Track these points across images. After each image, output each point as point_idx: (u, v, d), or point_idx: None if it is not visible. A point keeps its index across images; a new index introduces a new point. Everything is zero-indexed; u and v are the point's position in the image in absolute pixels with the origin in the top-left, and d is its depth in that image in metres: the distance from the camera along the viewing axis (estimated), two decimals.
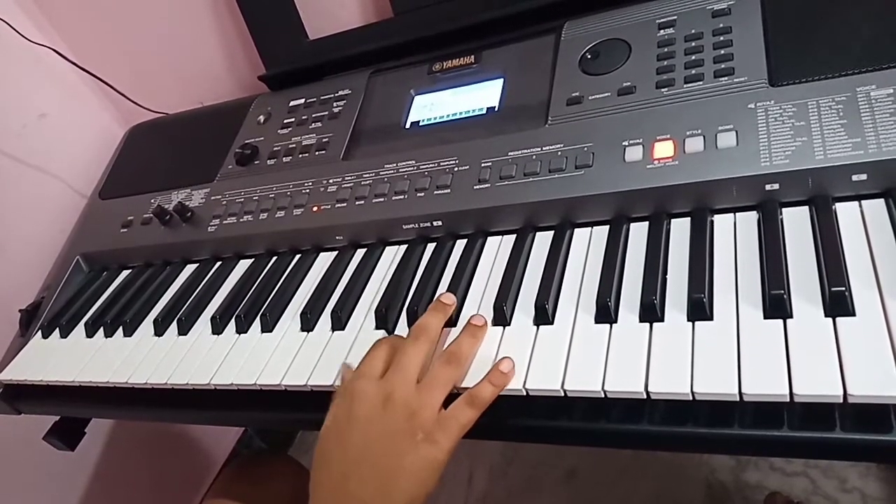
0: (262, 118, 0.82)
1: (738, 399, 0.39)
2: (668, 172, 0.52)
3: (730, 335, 0.42)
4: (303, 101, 0.80)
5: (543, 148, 0.59)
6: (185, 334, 0.65)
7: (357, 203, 0.66)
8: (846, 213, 0.46)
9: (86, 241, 0.85)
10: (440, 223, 0.61)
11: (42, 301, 0.80)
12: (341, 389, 0.48)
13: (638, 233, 0.53)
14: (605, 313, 0.47)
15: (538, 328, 0.49)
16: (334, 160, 0.71)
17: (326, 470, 0.46)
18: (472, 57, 0.72)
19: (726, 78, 0.54)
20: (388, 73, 0.77)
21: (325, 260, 0.67)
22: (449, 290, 0.55)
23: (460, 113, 0.68)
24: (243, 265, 0.72)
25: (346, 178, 0.68)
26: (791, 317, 0.41)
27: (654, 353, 0.43)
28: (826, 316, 0.40)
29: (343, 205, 0.66)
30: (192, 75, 1.01)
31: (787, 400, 0.37)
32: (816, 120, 0.48)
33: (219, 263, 0.73)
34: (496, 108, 0.66)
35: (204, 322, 0.65)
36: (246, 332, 0.62)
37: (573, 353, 0.46)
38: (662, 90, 0.57)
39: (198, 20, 0.94)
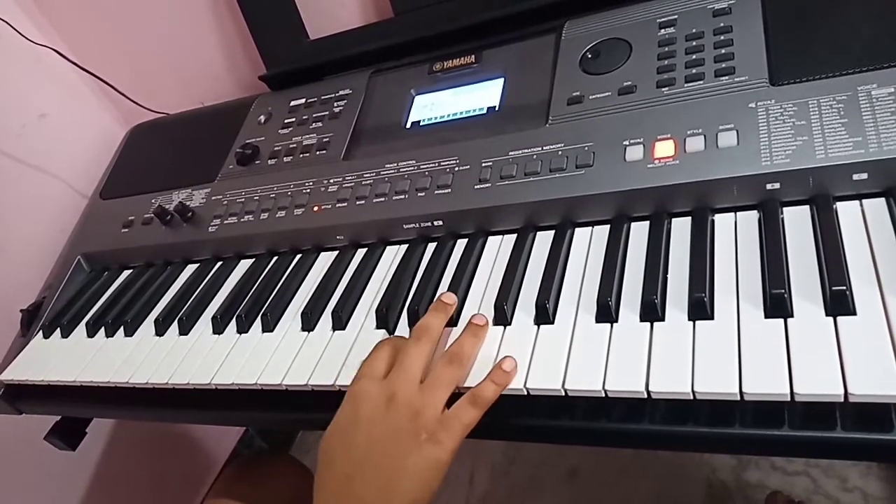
0: (262, 118, 0.82)
1: (738, 398, 0.39)
2: (669, 172, 0.51)
3: (730, 334, 0.42)
4: (303, 100, 0.80)
5: (544, 147, 0.59)
6: (186, 334, 0.65)
7: (358, 203, 0.66)
8: (847, 212, 0.46)
9: (87, 241, 0.85)
10: (441, 223, 0.61)
11: (43, 301, 0.80)
12: (348, 390, 0.48)
13: (639, 232, 0.53)
14: (606, 313, 0.47)
15: (539, 328, 0.49)
16: (335, 160, 0.71)
17: (330, 471, 0.46)
18: (473, 57, 0.72)
19: (727, 77, 0.54)
20: (389, 73, 0.77)
21: (325, 260, 0.67)
22: (450, 289, 0.55)
23: (461, 113, 0.68)
24: (244, 265, 0.72)
25: (347, 178, 0.68)
26: (792, 316, 0.41)
27: (654, 353, 0.43)
28: (827, 315, 0.40)
29: (344, 204, 0.66)
30: (192, 75, 1.01)
31: (788, 399, 0.37)
32: (817, 119, 0.48)
33: (220, 263, 0.73)
34: (497, 108, 0.66)
35: (205, 322, 0.65)
36: (247, 331, 0.62)
37: (574, 353, 0.46)
38: (663, 89, 0.57)
39: (198, 20, 0.94)
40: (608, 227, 0.54)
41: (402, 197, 0.63)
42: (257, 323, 0.62)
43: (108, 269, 0.82)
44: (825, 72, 0.50)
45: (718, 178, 0.50)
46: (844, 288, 0.40)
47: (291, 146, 0.76)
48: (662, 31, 0.61)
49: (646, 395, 0.41)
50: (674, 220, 0.52)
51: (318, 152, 0.73)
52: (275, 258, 0.70)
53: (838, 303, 0.40)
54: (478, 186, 0.60)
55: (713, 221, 0.50)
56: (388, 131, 0.72)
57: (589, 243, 0.54)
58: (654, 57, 0.59)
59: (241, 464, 0.83)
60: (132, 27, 0.99)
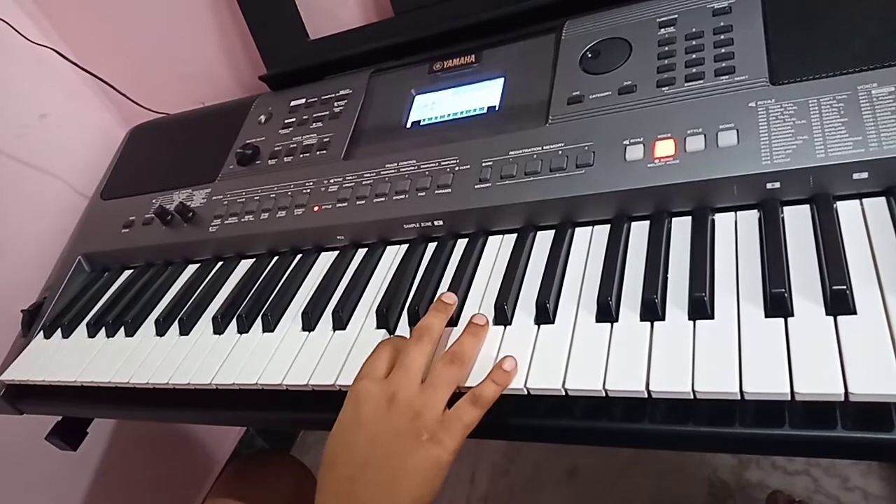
0: (263, 118, 0.82)
1: (739, 398, 0.39)
2: (669, 171, 0.51)
3: (731, 334, 0.42)
4: (304, 100, 0.80)
5: (544, 147, 0.59)
6: (187, 334, 0.65)
7: (358, 203, 0.66)
8: (847, 211, 0.46)
9: (87, 242, 0.85)
10: (441, 223, 0.61)
11: (44, 301, 0.80)
12: (349, 391, 0.48)
13: (639, 232, 0.53)
14: (607, 312, 0.47)
15: (539, 327, 0.49)
16: (335, 160, 0.71)
17: (332, 471, 0.46)
18: (473, 56, 0.72)
19: (727, 76, 0.54)
20: (389, 73, 0.77)
21: (326, 260, 0.67)
22: (450, 289, 0.55)
23: (461, 112, 0.68)
24: (244, 265, 0.72)
25: (347, 178, 0.68)
26: (792, 315, 0.41)
27: (655, 352, 0.43)
28: (827, 314, 0.40)
29: (344, 204, 0.66)
30: (192, 75, 1.01)
31: (789, 398, 0.37)
32: (817, 118, 0.48)
33: (220, 263, 0.74)
34: (497, 108, 0.66)
35: (205, 322, 0.66)
36: (247, 331, 0.62)
37: (574, 352, 0.46)
38: (663, 89, 0.57)
39: (198, 20, 0.94)
40: (608, 226, 0.54)
41: (403, 197, 0.63)
42: (258, 323, 0.62)
43: (109, 270, 0.82)
44: (825, 71, 0.50)
45: (718, 177, 0.50)
46: (845, 287, 0.40)
47: (292, 146, 0.76)
48: (662, 30, 0.61)
49: (646, 395, 0.41)
50: (674, 219, 0.52)
51: (318, 152, 0.73)
52: (275, 258, 0.70)
53: (839, 302, 0.40)
54: (478, 186, 0.60)
55: (713, 221, 0.50)
56: (389, 131, 0.72)
57: (589, 243, 0.54)
58: (654, 56, 0.59)
59: (241, 464, 0.83)
60: (132, 27, 0.99)
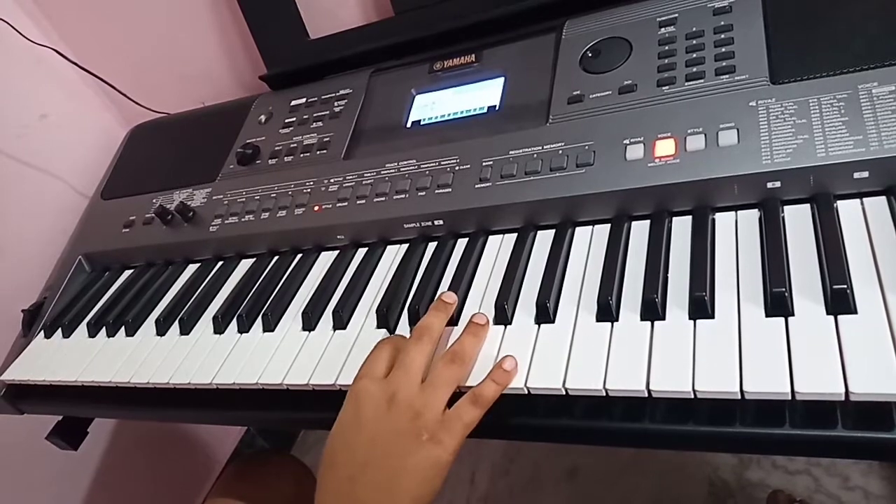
0: (263, 118, 0.82)
1: (739, 397, 0.39)
2: (670, 171, 0.51)
3: (731, 333, 0.42)
4: (304, 100, 0.80)
5: (544, 147, 0.59)
6: (187, 334, 0.65)
7: (358, 202, 0.66)
8: (848, 210, 0.46)
9: (88, 242, 0.85)
10: (441, 222, 0.61)
11: (44, 301, 0.80)
12: (349, 390, 0.48)
13: (639, 231, 0.53)
14: (607, 312, 0.47)
15: (539, 327, 0.49)
16: (335, 159, 0.71)
17: (332, 471, 0.46)
18: (473, 56, 0.71)
19: (727, 76, 0.54)
20: (389, 73, 0.77)
21: (326, 259, 0.67)
22: (450, 289, 0.55)
23: (461, 112, 0.68)
24: (245, 265, 0.72)
25: (348, 178, 0.68)
26: (792, 315, 0.41)
27: (655, 352, 0.43)
28: (828, 314, 0.40)
29: (344, 204, 0.66)
30: (193, 75, 1.01)
31: (789, 398, 0.37)
32: (818, 117, 0.48)
33: (220, 263, 0.74)
34: (497, 107, 0.66)
35: (206, 322, 0.66)
36: (248, 331, 0.62)
37: (574, 352, 0.46)
38: (663, 88, 0.57)
39: (199, 20, 0.94)
40: (609, 226, 0.54)
41: (403, 196, 0.63)
42: (258, 323, 0.62)
43: (110, 269, 0.82)
44: (826, 70, 0.50)
45: (719, 176, 0.50)
46: (845, 286, 0.40)
47: (292, 146, 0.76)
48: (663, 29, 0.61)
49: (646, 395, 0.41)
50: (674, 218, 0.52)
51: (318, 152, 0.73)
52: (275, 258, 0.70)
53: (839, 301, 0.40)
54: (478, 186, 0.60)
55: (714, 220, 0.50)
56: (389, 131, 0.72)
57: (589, 242, 0.54)
58: (655, 56, 0.59)
59: (242, 463, 0.83)
60: (133, 27, 0.99)
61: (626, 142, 0.55)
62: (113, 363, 0.65)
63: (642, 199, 0.53)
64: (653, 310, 0.45)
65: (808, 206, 0.48)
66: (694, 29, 0.59)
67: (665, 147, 0.53)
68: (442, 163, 0.63)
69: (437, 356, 0.48)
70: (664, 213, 0.52)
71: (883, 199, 0.46)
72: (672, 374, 0.41)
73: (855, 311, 0.40)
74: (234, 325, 0.63)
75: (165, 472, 1.23)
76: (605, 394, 0.43)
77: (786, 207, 0.48)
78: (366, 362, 0.49)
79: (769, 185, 0.48)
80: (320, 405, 0.55)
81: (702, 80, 0.55)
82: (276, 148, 0.77)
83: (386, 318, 0.56)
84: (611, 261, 0.50)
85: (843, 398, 0.36)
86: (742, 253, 0.47)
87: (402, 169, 0.65)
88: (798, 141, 0.48)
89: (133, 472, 1.16)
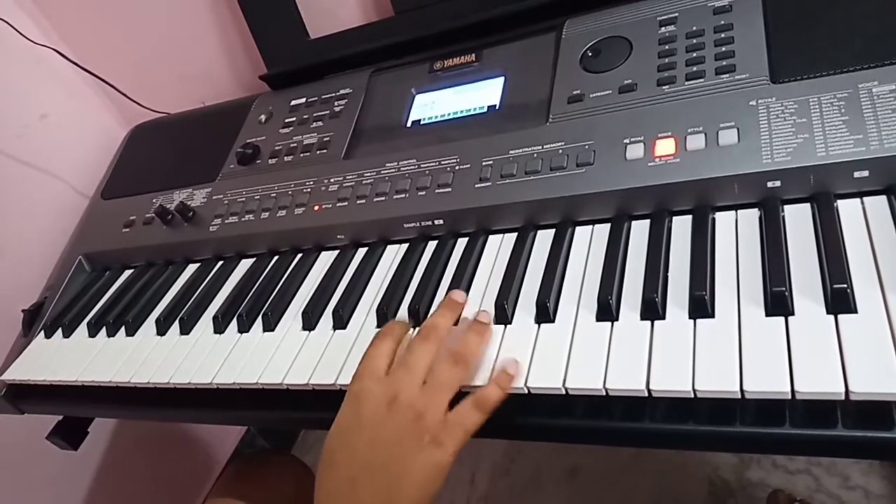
0: (263, 117, 0.82)
1: (739, 396, 0.39)
2: (670, 170, 0.51)
3: (731, 333, 0.42)
4: (304, 100, 0.80)
5: (544, 146, 0.59)
6: (187, 334, 0.65)
7: (358, 202, 0.66)
8: (848, 209, 0.46)
9: (88, 241, 0.85)
10: (441, 222, 0.61)
11: (45, 301, 0.80)
12: (350, 388, 0.48)
13: (639, 231, 0.53)
14: (607, 311, 0.47)
15: (539, 326, 0.49)
16: (335, 159, 0.71)
17: (331, 472, 0.45)
18: (473, 55, 0.71)
19: (727, 75, 0.54)
20: (389, 72, 0.77)
21: (326, 259, 0.67)
22: (450, 288, 0.55)
23: (461, 111, 0.68)
24: (245, 264, 0.72)
25: (348, 177, 0.68)
26: (793, 314, 0.41)
27: (655, 351, 0.43)
28: (828, 313, 0.40)
29: (344, 204, 0.66)
30: (193, 75, 1.01)
31: (789, 397, 0.37)
32: (818, 117, 0.48)
33: (220, 263, 0.74)
34: (497, 107, 0.66)
35: (206, 321, 0.66)
36: (248, 331, 0.62)
37: (575, 352, 0.46)
38: (664, 87, 0.57)
39: (199, 20, 0.94)
40: (609, 225, 0.54)
41: (403, 196, 0.63)
42: (258, 322, 0.62)
43: (110, 269, 0.82)
44: (826, 69, 0.50)
45: (719, 176, 0.49)
46: (845, 286, 0.40)
47: (292, 145, 0.76)
48: (663, 28, 0.61)
49: (646, 394, 0.41)
50: (674, 218, 0.52)
51: (318, 151, 0.73)
52: (276, 257, 0.70)
53: (839, 301, 0.40)
54: (478, 185, 0.60)
55: (714, 219, 0.50)
56: (389, 130, 0.72)
57: (589, 242, 0.54)
58: (655, 55, 0.59)
59: (242, 463, 0.83)
60: (133, 27, 0.99)
61: (627, 141, 0.55)
62: (113, 363, 0.65)
63: (642, 199, 0.53)
64: (653, 309, 0.45)
65: (808, 205, 0.48)
66: (694, 28, 0.59)
67: (665, 146, 0.53)
68: (442, 162, 0.63)
69: (440, 356, 0.48)
70: (664, 213, 0.52)
71: (883, 198, 0.46)
72: (672, 374, 0.41)
73: (855, 311, 0.40)
74: (234, 324, 0.63)
75: (165, 472, 1.23)
76: (605, 393, 0.43)
77: (786, 207, 0.48)
78: (365, 358, 0.48)
79: (769, 184, 0.48)
80: (320, 405, 0.55)
81: (702, 80, 0.55)
82: (276, 148, 0.77)
83: (386, 317, 0.56)
84: (611, 260, 0.50)
85: (843, 397, 0.36)
86: (742, 252, 0.47)
87: (402, 168, 0.65)
88: (798, 140, 0.48)
89: (133, 472, 1.16)
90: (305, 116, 0.78)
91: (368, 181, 0.66)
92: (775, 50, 0.54)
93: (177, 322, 0.67)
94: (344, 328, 0.58)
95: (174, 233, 0.76)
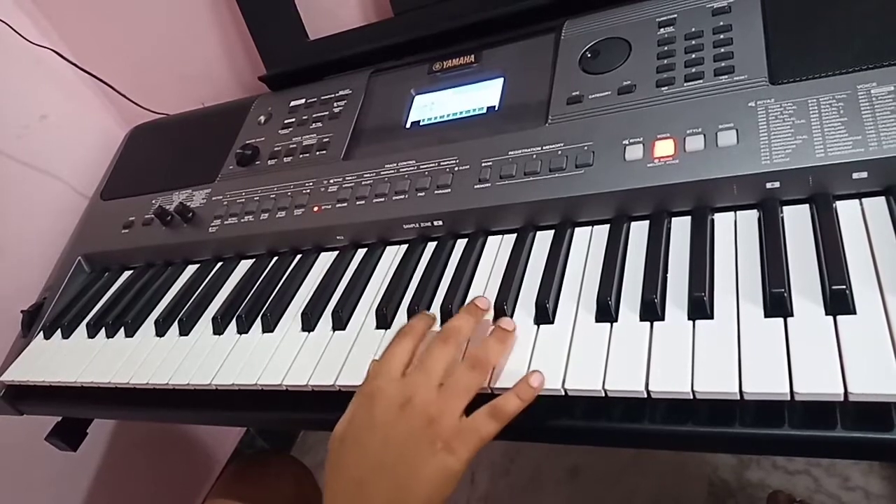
0: (262, 118, 0.82)
1: (738, 398, 0.39)
2: (669, 171, 0.51)
3: (730, 334, 0.42)
4: (303, 101, 0.80)
5: (544, 147, 0.59)
6: (187, 335, 0.65)
7: (358, 203, 0.66)
8: (847, 211, 0.46)
9: (87, 242, 0.85)
10: (441, 223, 0.61)
11: (44, 302, 0.80)
12: (363, 387, 0.47)
13: (638, 231, 0.53)
14: (606, 312, 0.47)
15: (539, 327, 0.49)
16: (335, 160, 0.71)
17: (341, 473, 0.45)
18: (472, 56, 0.72)
19: (726, 76, 0.54)
20: (389, 73, 0.77)
21: (325, 260, 0.67)
22: (450, 289, 0.55)
23: (461, 112, 0.68)
24: (244, 265, 0.72)
25: (347, 178, 0.68)
26: (792, 315, 0.41)
27: (654, 352, 0.43)
28: (827, 314, 0.40)
29: (344, 205, 0.66)
30: (192, 76, 1.01)
31: (788, 398, 0.37)
32: (817, 118, 0.48)
33: (220, 264, 0.74)
34: (496, 108, 0.66)
35: (205, 322, 0.66)
36: (247, 332, 0.62)
37: (574, 353, 0.46)
38: (662, 89, 0.57)
39: (198, 21, 0.94)
40: (608, 226, 0.54)
41: (402, 197, 0.63)
42: (257, 323, 0.62)
43: (109, 270, 0.82)
44: (825, 70, 0.50)
45: (718, 177, 0.50)
46: (844, 287, 0.40)
47: (291, 146, 0.76)
48: (662, 30, 0.61)
49: (646, 395, 0.41)
50: (673, 219, 0.52)
51: (318, 152, 0.73)
52: (275, 258, 0.70)
53: (838, 302, 0.40)
54: (477, 186, 0.60)
55: (713, 220, 0.50)
56: (388, 131, 0.72)
57: (589, 243, 0.54)
58: (654, 56, 0.59)
59: (241, 464, 0.83)
60: (132, 28, 0.99)
61: (626, 142, 0.55)
62: (112, 364, 0.65)
63: (641, 200, 0.53)
64: (652, 310, 0.45)
65: (807, 206, 0.48)
66: (693, 29, 0.59)
67: (664, 147, 0.53)
68: (441, 163, 0.63)
69: (459, 359, 0.47)
70: (663, 214, 0.52)
71: (882, 199, 0.46)
72: (671, 375, 0.41)
73: (854, 312, 0.40)
74: (233, 325, 0.63)
75: (165, 473, 1.23)
76: (604, 394, 0.43)
77: (785, 208, 0.48)
78: (383, 358, 0.47)
79: (768, 185, 0.48)
80: (320, 406, 0.55)
81: (701, 81, 0.55)
82: (276, 148, 0.77)
83: (385, 318, 0.56)
84: (610, 261, 0.50)
85: (842, 398, 0.36)
86: (741, 253, 0.47)
87: (401, 169, 0.65)
88: (797, 141, 0.48)
89: (133, 472, 1.16)
90: (305, 117, 0.78)
91: (368, 182, 0.67)
92: (774, 51, 0.54)
93: (176, 323, 0.67)
94: (343, 329, 0.58)
95: (173, 234, 0.76)
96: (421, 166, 0.65)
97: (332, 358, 0.55)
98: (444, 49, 0.74)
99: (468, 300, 0.52)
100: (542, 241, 0.56)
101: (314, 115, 0.77)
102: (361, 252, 0.66)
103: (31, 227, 0.98)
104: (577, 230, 0.56)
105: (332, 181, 0.69)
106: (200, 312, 0.67)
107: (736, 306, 0.43)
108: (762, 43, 0.55)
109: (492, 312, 0.51)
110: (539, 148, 0.59)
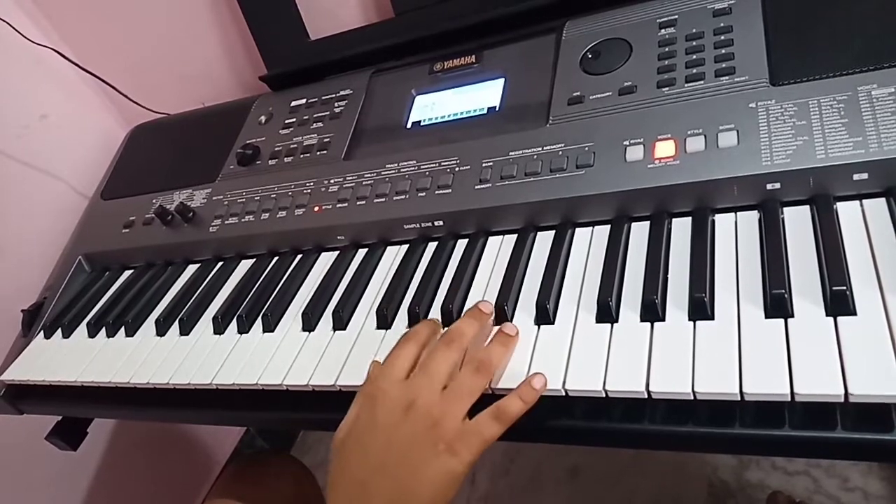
0: (263, 118, 0.82)
1: (739, 398, 0.39)
2: (670, 172, 0.52)
3: (731, 335, 0.42)
4: (304, 101, 0.80)
5: (544, 147, 0.59)
6: (187, 334, 0.65)
7: (358, 203, 0.66)
8: (847, 212, 0.46)
9: (88, 242, 0.85)
10: (441, 223, 0.61)
11: (44, 301, 0.80)
12: (365, 388, 0.47)
13: (639, 232, 0.53)
14: (607, 313, 0.47)
15: (539, 328, 0.49)
16: (336, 160, 0.71)
17: (343, 474, 0.45)
18: (473, 57, 0.72)
19: (727, 77, 0.54)
20: (390, 73, 0.77)
21: (326, 260, 0.67)
22: (450, 289, 0.55)
23: (461, 113, 0.68)
24: (245, 265, 0.72)
25: (348, 178, 0.68)
26: (792, 316, 0.41)
27: (655, 353, 0.43)
28: (827, 315, 0.40)
29: (344, 205, 0.66)
30: (193, 76, 1.01)
31: (789, 399, 0.37)
32: (817, 119, 0.48)
33: (220, 263, 0.74)
34: (497, 108, 0.66)
35: (206, 322, 0.66)
36: (247, 332, 0.62)
37: (574, 353, 0.46)
38: (663, 90, 0.57)
39: (199, 20, 0.94)
40: (608, 227, 0.54)
41: (403, 197, 0.63)
42: (258, 323, 0.62)
43: (109, 270, 0.82)
44: (825, 72, 0.50)
45: (719, 178, 0.50)
46: (845, 288, 0.40)
47: (292, 146, 0.76)
48: (663, 31, 0.61)
49: (646, 396, 0.41)
50: (674, 220, 0.52)
51: (318, 152, 0.73)
52: (275, 258, 0.70)
53: (839, 303, 0.40)
54: (478, 186, 0.60)
55: (713, 221, 0.50)
56: (389, 131, 0.72)
57: (589, 243, 0.54)
58: (655, 57, 0.59)
59: (241, 464, 0.83)
60: (133, 27, 0.99)
61: (626, 143, 0.55)
62: (112, 363, 0.65)
63: (642, 201, 0.53)
64: (653, 311, 0.45)
65: (807, 207, 0.48)
66: (694, 30, 0.59)
67: (665, 148, 0.53)
68: (442, 163, 0.63)
69: (462, 363, 0.47)
70: (664, 215, 0.52)
71: (882, 200, 0.46)
72: (672, 376, 0.41)
73: (854, 313, 0.40)
74: (233, 325, 0.63)
75: (165, 473, 1.23)
76: (604, 395, 0.43)
77: (785, 209, 0.48)
78: (387, 361, 0.47)
79: (769, 186, 0.48)
80: (320, 406, 0.55)
81: (702, 82, 0.55)
82: (276, 148, 0.77)
83: (386, 318, 0.56)
84: (611, 262, 0.50)
85: (842, 399, 0.36)
86: (742, 254, 0.47)
87: (402, 170, 0.65)
88: (798, 142, 0.48)
89: (132, 472, 1.16)
90: (305, 117, 0.78)
91: (368, 182, 0.67)
92: (775, 52, 0.54)
93: (176, 323, 0.67)
94: (344, 329, 0.58)
95: (174, 233, 0.76)
96: (422, 166, 0.65)
97: (332, 358, 0.55)
98: (444, 49, 0.74)
99: (472, 304, 0.52)
100: (543, 241, 0.56)
101: (315, 115, 0.77)
102: (362, 252, 0.66)
103: (31, 227, 0.98)
104: (578, 231, 0.56)
105: (332, 181, 0.69)
106: (201, 312, 0.67)
107: (736, 307, 0.43)
108: (763, 44, 0.55)
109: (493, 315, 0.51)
110: (540, 148, 0.59)
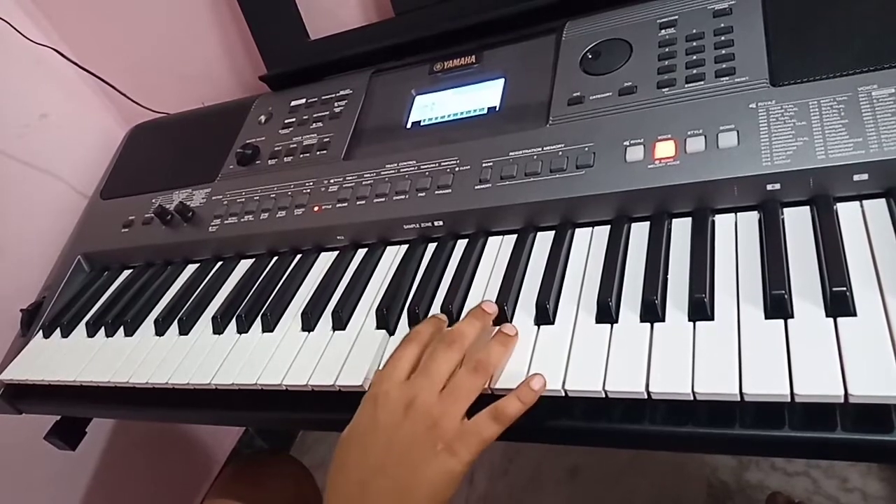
0: (263, 118, 0.82)
1: (738, 399, 0.39)
2: (670, 172, 0.51)
3: (731, 335, 0.42)
4: (304, 101, 0.80)
5: (544, 148, 0.59)
6: (186, 334, 0.65)
7: (358, 203, 0.66)
8: (847, 212, 0.46)
9: (87, 241, 0.85)
10: (441, 223, 0.61)
11: (43, 301, 0.80)
12: (368, 391, 0.48)
13: (639, 233, 0.53)
14: (606, 313, 0.47)
15: (539, 328, 0.49)
16: (335, 160, 0.71)
17: (343, 474, 0.45)
18: (473, 57, 0.72)
19: (727, 78, 0.54)
20: (390, 73, 0.77)
21: (326, 260, 0.67)
22: (450, 289, 0.55)
23: (461, 113, 0.68)
24: (244, 265, 0.72)
25: (348, 178, 0.68)
26: (792, 317, 0.41)
27: (654, 353, 0.43)
28: (827, 316, 0.40)
29: (344, 205, 0.66)
30: (193, 75, 1.01)
31: (788, 400, 0.37)
32: (818, 120, 0.48)
33: (220, 263, 0.74)
34: (497, 108, 0.66)
35: (205, 322, 0.66)
36: (247, 331, 0.62)
37: (574, 353, 0.46)
38: (663, 90, 0.57)
39: (199, 20, 0.94)
40: (608, 227, 0.54)
41: (403, 197, 0.63)
42: (257, 323, 0.62)
43: (109, 269, 0.82)
44: (826, 72, 0.50)
45: (719, 178, 0.50)
46: (845, 289, 0.40)
47: (292, 146, 0.76)
48: (663, 31, 0.61)
49: (646, 396, 0.41)
50: (674, 220, 0.52)
51: (318, 152, 0.73)
52: (275, 258, 0.70)
53: (838, 304, 0.40)
54: (478, 187, 0.60)
55: (713, 222, 0.50)
56: (389, 131, 0.72)
57: (589, 244, 0.54)
58: (655, 57, 0.59)
59: (240, 464, 0.83)
60: (132, 27, 0.99)
61: (626, 143, 0.55)
62: (111, 363, 0.65)
63: (642, 201, 0.53)
64: (652, 311, 0.45)
65: (807, 208, 0.48)
66: (694, 31, 0.59)
67: (665, 149, 0.53)
68: (442, 163, 0.63)
69: (462, 363, 0.47)
70: (664, 215, 0.52)
71: (882, 201, 0.46)
72: (671, 376, 0.41)
73: (854, 314, 0.40)
74: (233, 325, 0.63)
75: (164, 473, 1.23)
76: (604, 395, 0.43)
77: (785, 209, 0.48)
78: (390, 361, 0.48)
79: (769, 187, 0.48)
80: (319, 406, 0.55)
81: (702, 82, 0.55)
82: (276, 148, 0.77)
83: (386, 318, 0.56)
84: (610, 262, 0.50)
85: (842, 400, 0.36)
86: (742, 255, 0.47)
87: (402, 170, 0.65)
88: (798, 143, 0.48)
89: (132, 472, 1.16)
90: (305, 117, 0.78)
91: (368, 182, 0.66)
92: (775, 53, 0.54)
93: (175, 322, 0.67)
94: (343, 329, 0.58)
95: (173, 233, 0.76)
96: (421, 166, 0.65)
97: (331, 358, 0.55)
98: (444, 49, 0.74)
99: (472, 304, 0.52)
100: (543, 241, 0.56)
101: (315, 115, 0.77)
102: (362, 252, 0.66)
103: (31, 227, 0.98)
104: (578, 231, 0.56)
105: (332, 181, 0.69)
106: (200, 312, 0.67)
107: (736, 308, 0.43)
108: (763, 45, 0.55)
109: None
110: (540, 149, 0.59)
